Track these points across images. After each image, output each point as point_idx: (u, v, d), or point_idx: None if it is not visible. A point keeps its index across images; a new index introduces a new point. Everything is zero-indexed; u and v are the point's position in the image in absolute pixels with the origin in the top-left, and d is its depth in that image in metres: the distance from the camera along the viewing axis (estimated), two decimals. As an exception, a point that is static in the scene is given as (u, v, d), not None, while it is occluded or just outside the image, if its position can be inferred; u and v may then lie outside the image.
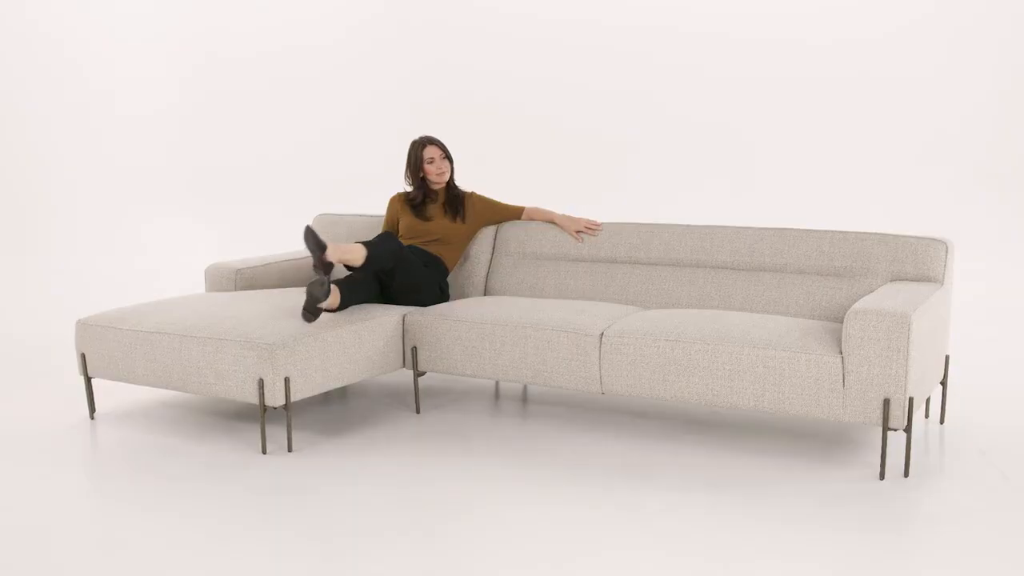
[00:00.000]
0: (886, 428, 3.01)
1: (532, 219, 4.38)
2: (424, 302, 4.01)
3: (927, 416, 3.75)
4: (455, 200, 4.29)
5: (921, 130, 6.47)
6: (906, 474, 3.10)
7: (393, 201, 4.40)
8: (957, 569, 2.43)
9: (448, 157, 4.26)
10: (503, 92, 7.20)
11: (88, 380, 3.82)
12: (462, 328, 3.73)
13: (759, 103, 6.73)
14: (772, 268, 3.82)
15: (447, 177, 4.26)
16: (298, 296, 3.93)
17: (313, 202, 6.75)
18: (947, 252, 3.58)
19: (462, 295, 4.36)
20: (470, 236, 4.35)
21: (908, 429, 3.01)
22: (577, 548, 2.58)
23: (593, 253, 4.17)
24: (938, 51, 6.37)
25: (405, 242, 4.21)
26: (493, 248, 4.41)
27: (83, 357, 3.78)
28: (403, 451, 3.42)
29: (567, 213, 4.37)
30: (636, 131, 6.97)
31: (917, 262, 3.56)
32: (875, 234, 3.69)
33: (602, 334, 3.47)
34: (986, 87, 6.33)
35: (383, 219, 4.48)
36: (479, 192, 4.42)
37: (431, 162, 4.21)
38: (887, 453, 3.12)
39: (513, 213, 4.39)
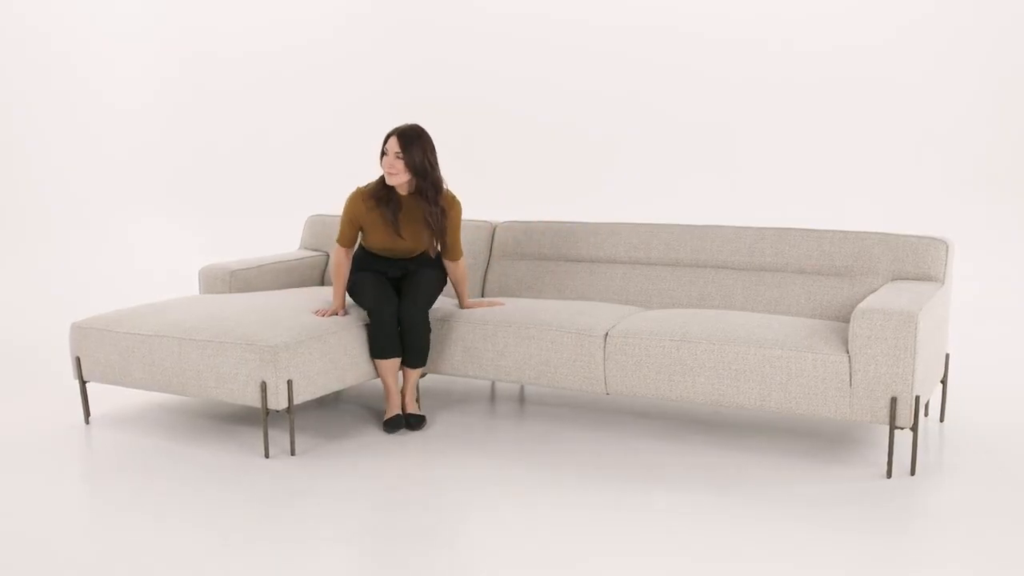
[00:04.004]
0: (893, 427, 3.02)
1: (453, 280, 3.86)
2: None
3: (927, 414, 3.77)
4: (430, 220, 3.65)
5: (917, 130, 6.51)
6: (912, 472, 3.11)
7: (355, 200, 3.67)
8: (971, 566, 2.44)
9: (407, 162, 3.53)
10: (490, 91, 7.17)
11: (83, 384, 3.76)
12: (464, 329, 3.70)
13: (759, 104, 6.75)
14: (773, 268, 3.82)
15: (399, 180, 3.56)
16: (296, 297, 3.89)
17: (304, 203, 6.70)
18: (947, 251, 3.60)
19: (459, 296, 4.34)
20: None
21: (915, 428, 3.02)
22: (578, 549, 2.56)
23: (592, 253, 4.15)
24: (933, 54, 6.42)
25: (382, 250, 3.74)
26: (491, 249, 4.39)
27: (78, 361, 3.72)
28: (404, 453, 3.39)
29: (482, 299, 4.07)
30: (636, 131, 6.97)
31: (918, 261, 3.58)
32: (876, 233, 3.70)
33: (606, 334, 3.46)
34: (982, 88, 6.37)
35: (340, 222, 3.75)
36: (459, 206, 3.74)
37: (385, 155, 3.57)
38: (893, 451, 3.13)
39: (451, 252, 3.77)
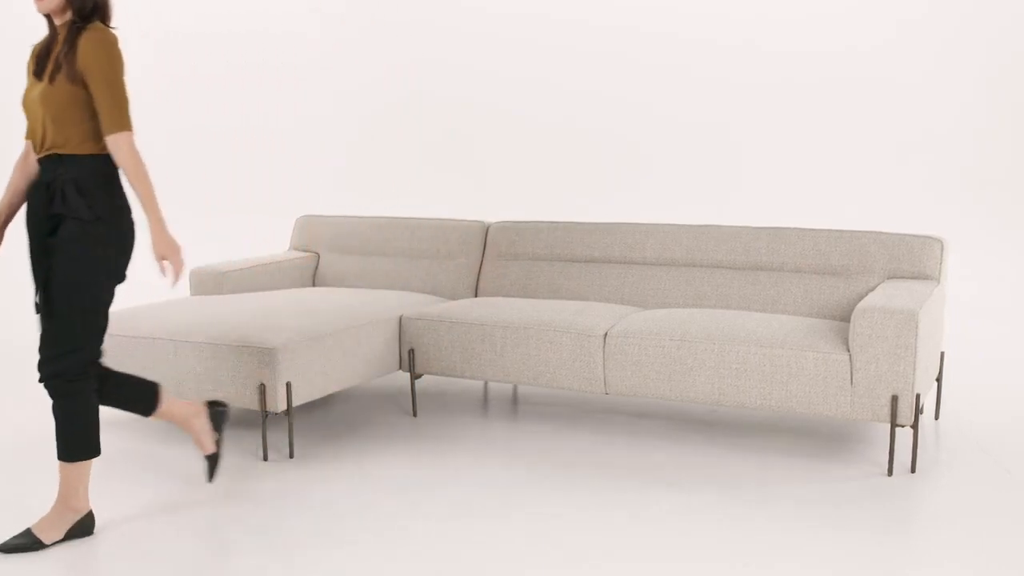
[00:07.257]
0: (894, 425, 3.03)
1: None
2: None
3: (922, 412, 3.79)
4: (69, 47, 2.53)
5: (913, 130, 6.56)
6: (913, 470, 3.12)
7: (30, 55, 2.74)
8: (972, 566, 2.45)
9: None
10: (487, 91, 7.16)
11: (75, 387, 3.71)
12: (461, 330, 3.68)
13: (757, 104, 6.78)
14: (769, 267, 3.83)
15: (47, 6, 2.54)
16: (292, 296, 3.85)
17: (295, 203, 6.66)
18: (942, 250, 3.62)
19: (453, 297, 4.32)
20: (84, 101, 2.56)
21: (915, 426, 3.04)
22: (577, 550, 2.55)
23: (587, 253, 4.15)
24: (930, 54, 6.47)
25: (28, 120, 2.64)
26: (484, 249, 4.37)
27: (70, 364, 3.66)
28: (402, 455, 3.37)
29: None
30: (632, 131, 6.98)
31: (914, 260, 3.60)
32: (871, 232, 3.72)
33: (606, 334, 3.45)
34: (979, 88, 6.43)
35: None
36: (109, 41, 2.52)
37: None
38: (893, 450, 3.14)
39: (101, 121, 2.53)
